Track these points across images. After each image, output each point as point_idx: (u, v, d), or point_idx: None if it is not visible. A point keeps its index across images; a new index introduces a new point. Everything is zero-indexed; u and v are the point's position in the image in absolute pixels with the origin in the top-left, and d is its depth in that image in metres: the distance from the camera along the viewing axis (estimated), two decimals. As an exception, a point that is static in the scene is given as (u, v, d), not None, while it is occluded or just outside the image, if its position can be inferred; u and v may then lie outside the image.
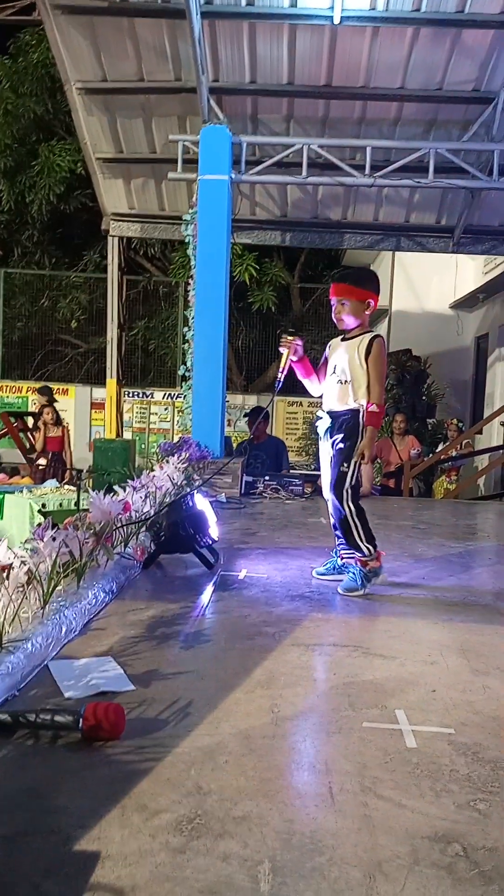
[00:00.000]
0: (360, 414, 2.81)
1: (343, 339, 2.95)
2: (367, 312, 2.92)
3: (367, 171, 6.09)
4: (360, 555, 2.78)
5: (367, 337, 2.86)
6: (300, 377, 3.02)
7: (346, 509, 2.79)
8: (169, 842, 1.14)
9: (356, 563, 2.78)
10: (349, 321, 2.91)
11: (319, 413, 2.96)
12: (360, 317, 2.90)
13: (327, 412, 2.90)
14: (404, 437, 7.93)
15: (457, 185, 6.28)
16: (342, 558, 2.89)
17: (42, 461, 8.13)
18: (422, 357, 10.56)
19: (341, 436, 2.82)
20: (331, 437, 2.87)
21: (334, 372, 2.90)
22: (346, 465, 2.80)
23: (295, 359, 2.95)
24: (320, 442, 2.98)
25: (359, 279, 2.98)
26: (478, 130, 6.28)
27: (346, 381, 2.84)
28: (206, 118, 6.08)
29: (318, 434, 2.96)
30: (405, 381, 10.18)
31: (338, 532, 2.87)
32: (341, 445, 2.82)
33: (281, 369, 2.94)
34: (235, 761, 1.41)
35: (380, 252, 11.37)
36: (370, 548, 2.78)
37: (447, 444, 8.81)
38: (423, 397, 10.32)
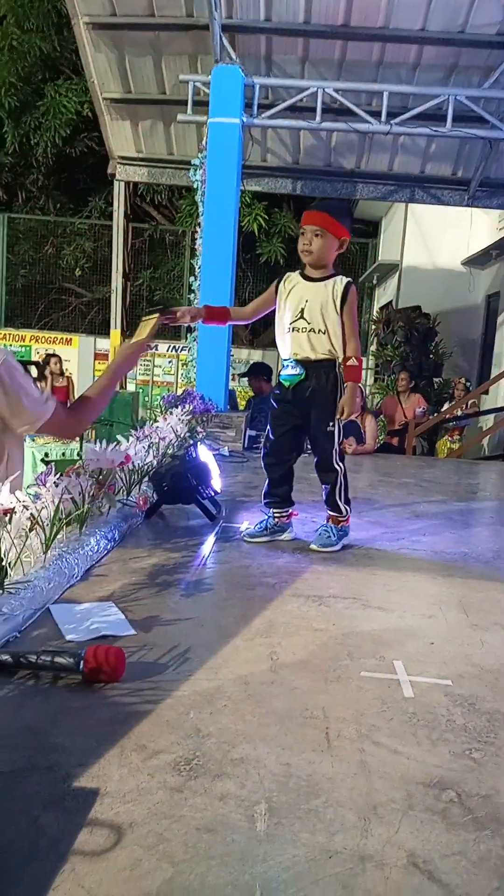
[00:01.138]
0: (338, 366, 2.64)
1: (306, 279, 2.67)
2: (336, 252, 2.67)
3: (384, 117, 5.90)
4: (335, 514, 2.73)
5: (341, 282, 2.63)
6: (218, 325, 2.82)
7: (338, 468, 2.71)
8: (167, 781, 1.15)
9: (328, 521, 2.74)
10: (319, 256, 2.62)
11: (285, 361, 2.71)
12: (330, 255, 2.65)
13: (299, 361, 2.65)
14: (410, 395, 7.87)
15: (476, 134, 6.08)
16: (276, 518, 2.79)
17: None
18: (431, 314, 10.42)
19: (321, 392, 2.64)
20: (304, 392, 2.65)
21: (301, 316, 2.63)
22: (331, 424, 2.66)
23: (187, 322, 2.77)
24: (280, 391, 2.72)
25: (339, 212, 2.67)
26: (500, 77, 6.04)
27: (321, 331, 2.61)
28: (217, 57, 5.86)
29: (284, 385, 2.70)
30: (413, 339, 10.08)
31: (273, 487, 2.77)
32: (322, 403, 2.64)
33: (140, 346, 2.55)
34: (234, 706, 1.42)
35: (392, 204, 11.13)
36: (347, 509, 2.73)
37: (453, 403, 8.75)
38: (431, 355, 10.22)
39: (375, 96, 6.21)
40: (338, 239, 2.66)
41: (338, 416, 2.64)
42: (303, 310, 2.64)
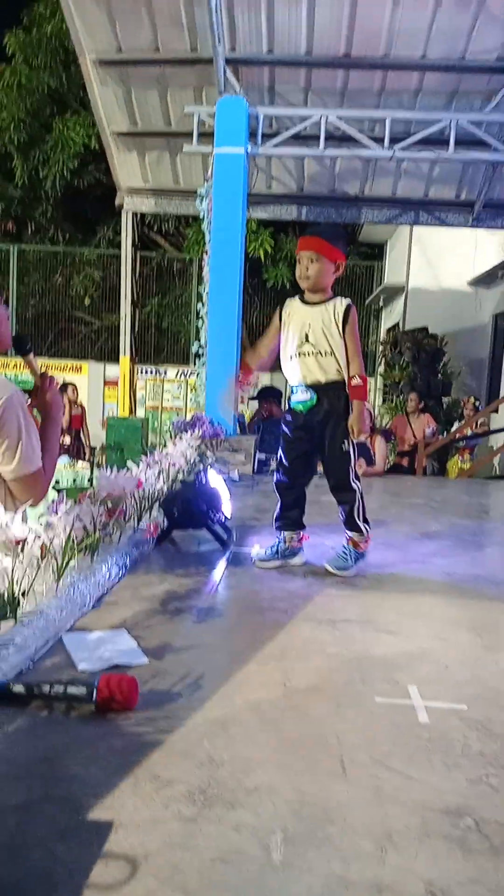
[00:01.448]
0: (346, 386, 2.67)
1: (305, 303, 2.71)
2: (334, 275, 2.70)
3: (387, 143, 5.98)
4: (354, 535, 2.72)
5: (341, 304, 2.66)
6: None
7: (356, 487, 2.72)
8: (181, 811, 1.15)
9: (347, 543, 2.73)
10: (317, 282, 2.66)
11: (295, 386, 2.73)
12: (327, 279, 2.68)
13: (310, 386, 2.68)
14: (419, 415, 7.87)
15: (478, 158, 6.16)
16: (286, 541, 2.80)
17: (66, 439, 8.26)
18: (438, 335, 10.45)
19: (334, 414, 2.67)
20: (318, 416, 2.68)
21: (307, 340, 2.66)
22: (345, 443, 2.68)
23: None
24: (292, 417, 2.75)
25: (333, 236, 2.71)
26: (501, 101, 6.13)
27: (327, 353, 2.65)
28: (222, 89, 5.99)
29: (296, 410, 2.73)
30: (421, 359, 10.09)
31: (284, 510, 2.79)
32: (335, 424, 2.67)
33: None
34: (247, 733, 1.41)
35: (397, 227, 11.22)
36: (366, 528, 2.73)
37: (463, 422, 8.74)
38: (439, 375, 10.23)
39: (378, 122, 6.31)
40: (333, 262, 2.69)
41: (352, 437, 2.67)
42: (307, 334, 2.68)
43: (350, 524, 2.74)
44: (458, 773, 1.31)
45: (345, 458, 2.70)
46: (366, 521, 2.75)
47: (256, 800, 1.19)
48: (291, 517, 2.81)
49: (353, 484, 2.72)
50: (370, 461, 5.86)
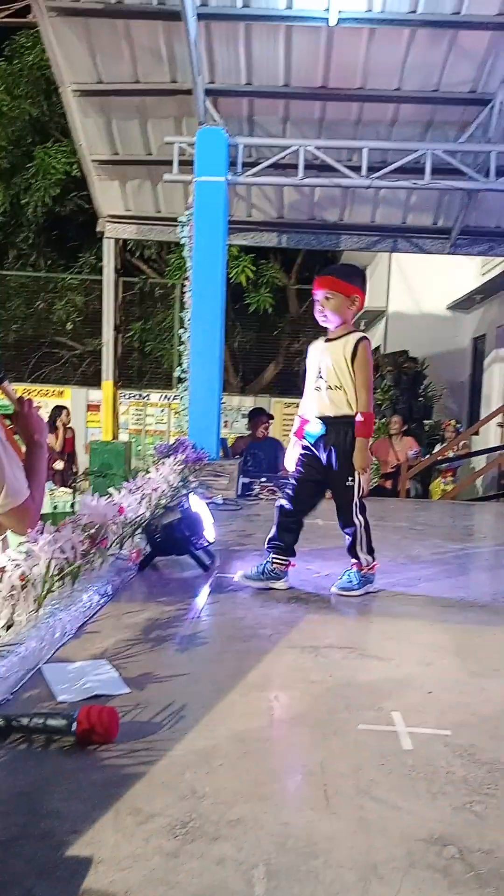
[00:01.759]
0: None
1: (327, 341, 2.82)
2: (351, 310, 2.79)
3: (364, 172, 6.09)
4: (356, 562, 2.77)
5: (353, 338, 2.75)
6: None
7: (357, 522, 2.75)
8: (163, 846, 1.13)
9: (352, 567, 2.78)
10: (333, 318, 2.77)
11: (308, 417, 2.83)
12: (344, 314, 2.78)
13: (320, 418, 2.78)
14: (402, 437, 7.93)
15: (454, 186, 6.28)
16: (274, 563, 2.81)
17: (60, 464, 8.21)
18: (419, 358, 10.57)
19: (340, 447, 2.73)
20: (325, 448, 2.76)
21: (321, 376, 2.77)
22: (350, 479, 2.74)
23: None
24: (304, 447, 2.83)
25: (345, 273, 2.85)
26: (475, 132, 6.28)
27: (337, 387, 2.74)
28: (202, 120, 6.08)
29: (307, 440, 2.82)
30: (402, 383, 10.19)
31: (276, 534, 2.82)
32: (342, 458, 2.73)
33: None
34: (230, 764, 1.40)
35: (376, 254, 11.39)
36: (369, 559, 2.77)
37: (444, 444, 8.81)
38: (420, 398, 10.32)
39: (355, 152, 6.42)
40: (349, 297, 2.77)
41: (357, 472, 2.72)
42: (321, 369, 2.79)
43: (352, 553, 2.78)
44: (443, 801, 1.30)
45: (348, 491, 2.75)
46: (370, 551, 2.77)
47: (240, 832, 1.18)
48: (285, 542, 2.83)
49: (355, 518, 2.76)
50: None
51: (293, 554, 2.84)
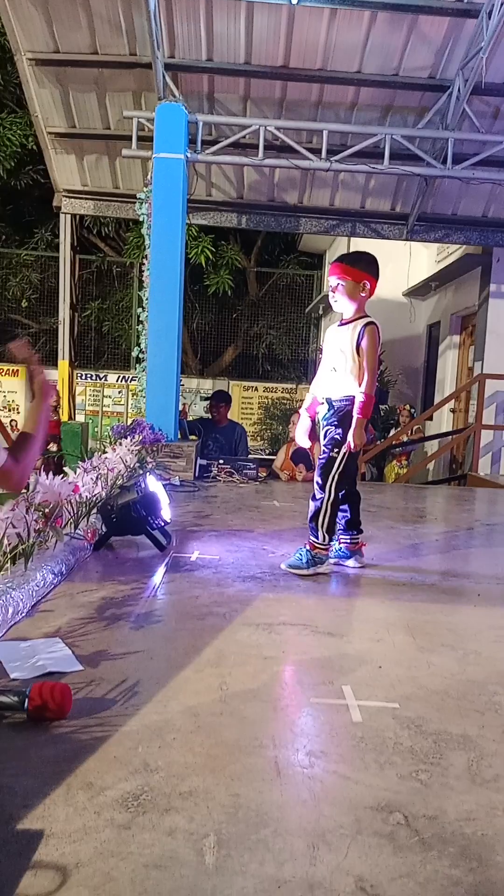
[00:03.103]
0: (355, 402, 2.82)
1: (340, 325, 2.92)
2: (363, 295, 2.87)
3: (324, 154, 6.08)
4: (313, 539, 2.80)
5: (361, 323, 2.84)
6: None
7: (326, 493, 2.80)
8: (114, 818, 1.14)
9: (306, 545, 2.81)
10: (343, 304, 2.88)
11: (320, 399, 2.94)
12: (354, 299, 2.86)
13: (325, 399, 2.90)
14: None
15: (411, 172, 6.32)
16: (340, 542, 2.95)
17: (54, 446, 8.02)
18: (375, 343, 10.66)
19: (336, 423, 2.83)
20: (326, 426, 2.88)
21: (329, 359, 2.89)
22: (336, 451, 2.81)
23: None
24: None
25: (356, 260, 2.93)
26: (433, 118, 6.32)
27: (340, 371, 2.83)
28: (161, 95, 5.97)
29: (322, 421, 2.94)
30: (359, 367, 10.27)
31: (337, 521, 2.91)
32: (334, 433, 2.83)
33: None
34: (183, 738, 1.41)
35: (335, 238, 11.41)
36: (326, 537, 2.80)
37: (399, 429, 8.95)
38: (377, 383, 10.44)
39: (316, 134, 6.40)
40: (359, 283, 2.85)
41: (344, 449, 2.78)
42: (330, 353, 2.89)
43: (312, 525, 2.80)
44: (390, 771, 1.34)
45: (328, 462, 2.82)
46: (329, 530, 2.80)
47: (191, 804, 1.19)
48: (346, 521, 2.94)
49: (328, 487, 2.80)
50: (309, 467, 5.93)
51: (353, 531, 2.97)
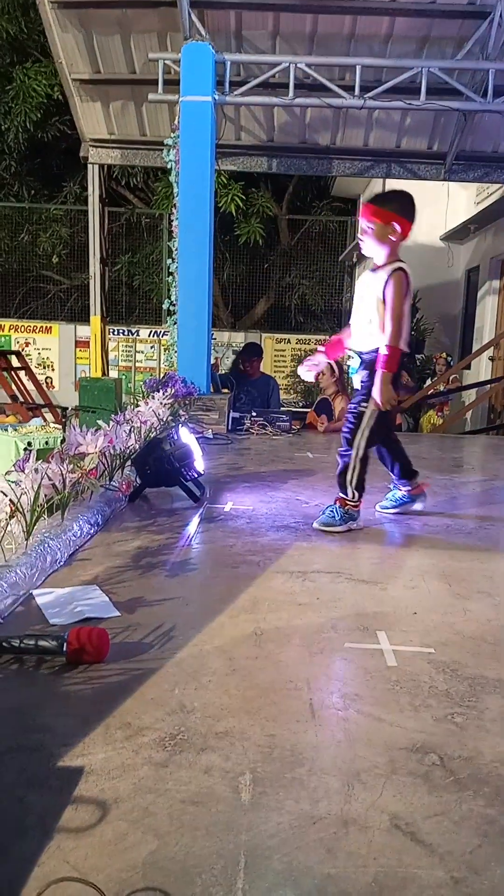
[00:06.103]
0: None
1: (372, 271, 2.72)
2: (392, 239, 2.64)
3: (357, 91, 5.83)
4: (343, 495, 2.73)
5: (388, 269, 2.63)
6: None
7: (354, 449, 2.70)
8: (152, 757, 1.16)
9: (336, 502, 2.74)
10: (372, 248, 2.67)
11: (349, 348, 2.83)
12: (384, 243, 2.64)
13: (356, 353, 2.77)
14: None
15: (450, 106, 6.02)
16: (401, 489, 2.95)
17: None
18: (411, 291, 10.40)
19: (366, 374, 2.70)
20: (358, 380, 2.75)
21: (358, 308, 2.73)
22: (364, 404, 2.68)
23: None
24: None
25: (385, 200, 2.70)
26: (472, 48, 5.98)
27: (368, 321, 2.67)
28: (187, 34, 5.76)
29: (352, 372, 2.88)
30: (394, 316, 10.05)
31: (391, 468, 2.90)
32: (364, 384, 2.70)
33: None
34: (219, 681, 1.43)
35: (369, 181, 11.06)
36: (356, 494, 2.71)
37: (435, 378, 8.78)
38: (412, 332, 10.21)
39: (348, 70, 6.13)
40: (388, 224, 2.62)
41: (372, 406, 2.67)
42: (359, 302, 2.74)
43: (340, 482, 2.74)
44: (425, 713, 1.34)
45: (358, 415, 2.70)
46: (359, 487, 2.71)
47: (227, 744, 1.21)
48: (398, 469, 2.92)
49: (357, 443, 2.70)
50: (331, 418, 5.87)
51: (410, 475, 2.95)
